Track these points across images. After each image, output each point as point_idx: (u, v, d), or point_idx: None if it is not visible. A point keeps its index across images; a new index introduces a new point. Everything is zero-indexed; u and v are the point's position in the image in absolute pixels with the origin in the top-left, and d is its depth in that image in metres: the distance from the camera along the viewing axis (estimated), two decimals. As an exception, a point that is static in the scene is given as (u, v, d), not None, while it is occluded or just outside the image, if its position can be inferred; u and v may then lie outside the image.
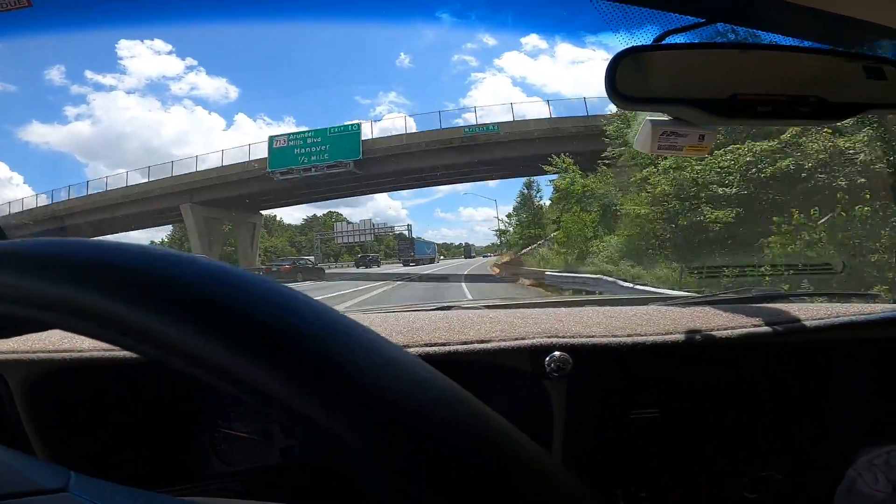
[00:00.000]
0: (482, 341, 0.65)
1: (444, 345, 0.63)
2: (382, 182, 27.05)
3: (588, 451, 0.73)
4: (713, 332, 0.73)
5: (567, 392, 0.69)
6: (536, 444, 0.22)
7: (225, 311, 0.20)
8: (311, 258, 34.99)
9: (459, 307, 1.10)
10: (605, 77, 0.62)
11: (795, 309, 0.85)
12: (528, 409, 0.68)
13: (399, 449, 0.18)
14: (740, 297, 1.16)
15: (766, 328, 0.75)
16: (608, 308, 0.88)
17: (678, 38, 0.68)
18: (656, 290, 5.78)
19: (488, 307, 1.08)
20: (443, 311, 0.84)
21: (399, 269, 33.31)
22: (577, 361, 0.66)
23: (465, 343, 0.64)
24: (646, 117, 0.75)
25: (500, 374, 0.68)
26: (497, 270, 22.72)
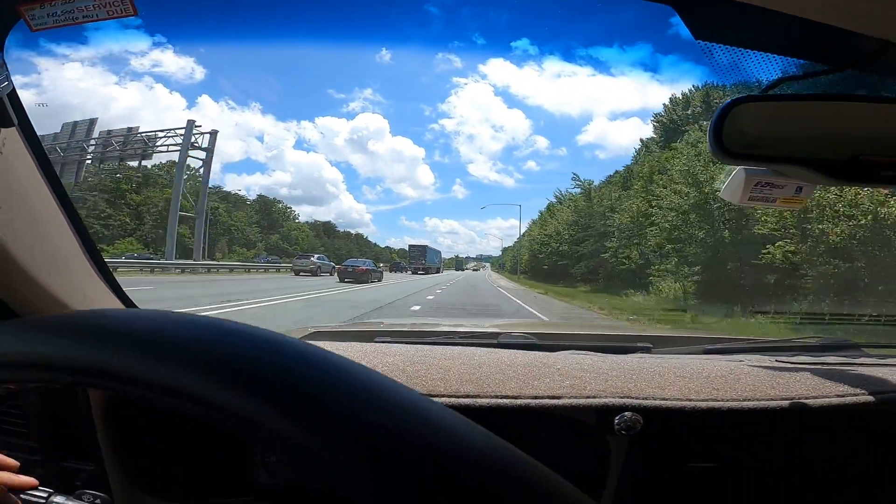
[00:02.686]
0: (553, 397, 0.65)
1: (515, 398, 0.65)
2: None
3: (641, 502, 0.71)
4: (795, 400, 0.70)
5: (629, 448, 0.68)
6: (585, 496, 0.25)
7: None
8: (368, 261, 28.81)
9: (509, 334, 1.08)
10: (710, 130, 0.56)
11: (883, 371, 0.80)
12: (584, 459, 0.68)
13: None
14: (809, 346, 1.08)
15: (855, 398, 0.71)
16: (678, 360, 0.84)
17: (792, 88, 0.61)
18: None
19: (539, 338, 1.05)
20: (501, 352, 0.81)
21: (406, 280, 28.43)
22: (647, 421, 0.66)
23: (535, 398, 0.65)
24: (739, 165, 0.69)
25: (561, 424, 0.68)
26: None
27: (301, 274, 24.95)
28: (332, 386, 0.26)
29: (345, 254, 52.49)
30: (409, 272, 41.93)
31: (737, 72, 0.61)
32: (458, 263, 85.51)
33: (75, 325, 0.28)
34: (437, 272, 47.85)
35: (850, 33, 0.61)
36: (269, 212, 57.22)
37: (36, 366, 0.28)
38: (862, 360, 1.02)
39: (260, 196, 61.07)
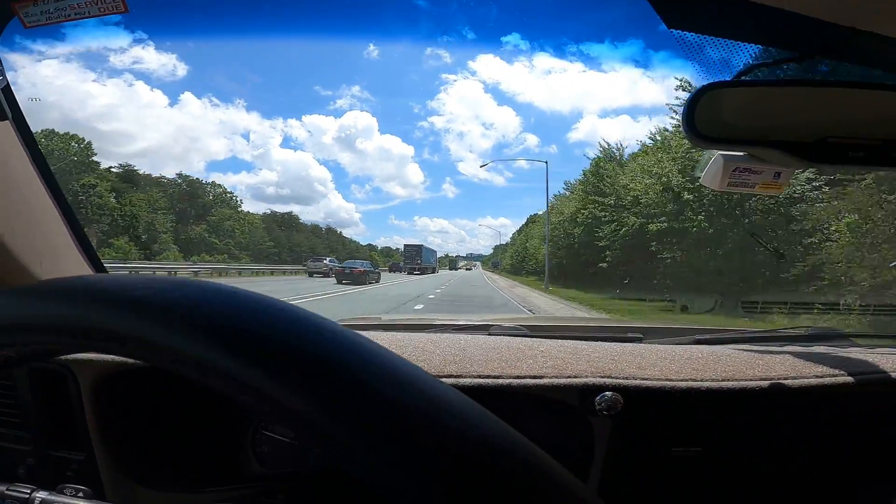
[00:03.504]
0: (535, 377, 0.66)
1: (497, 377, 0.66)
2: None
3: (625, 485, 0.72)
4: (774, 381, 0.71)
5: (611, 429, 0.69)
6: (573, 476, 0.25)
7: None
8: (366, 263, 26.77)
9: (501, 326, 1.09)
10: (683, 114, 0.59)
11: (866, 355, 0.81)
12: (569, 441, 0.68)
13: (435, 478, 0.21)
14: (798, 336, 1.09)
15: (833, 378, 0.72)
16: (665, 347, 0.85)
17: (763, 74, 0.64)
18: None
19: (530, 330, 1.06)
20: (489, 337, 0.83)
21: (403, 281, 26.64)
22: (627, 402, 0.66)
23: (518, 377, 0.66)
24: (717, 151, 0.71)
25: (544, 405, 0.68)
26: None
27: (315, 276, 25.31)
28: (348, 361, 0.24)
29: (306, 251, 47.66)
30: (405, 272, 40.78)
31: (708, 59, 0.63)
32: (452, 263, 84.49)
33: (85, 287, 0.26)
34: (434, 272, 46.63)
35: (818, 21, 0.64)
36: (195, 196, 44.65)
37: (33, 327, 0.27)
38: (850, 349, 1.04)
39: (181, 175, 47.08)
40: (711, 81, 0.60)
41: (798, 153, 0.59)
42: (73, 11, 0.74)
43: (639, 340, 1.02)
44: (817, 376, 0.72)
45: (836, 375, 0.72)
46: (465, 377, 0.65)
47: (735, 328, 1.39)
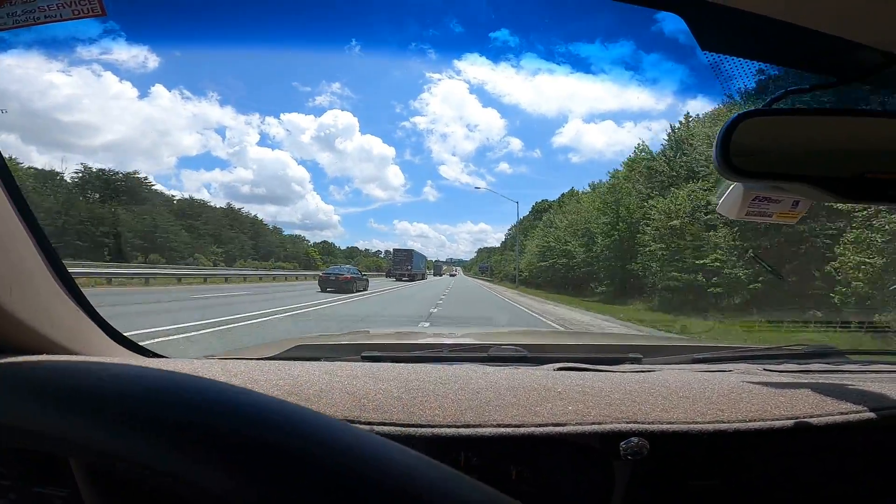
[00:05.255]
0: (557, 424, 0.63)
1: (518, 426, 0.63)
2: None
3: None
4: (800, 419, 0.69)
5: (633, 468, 0.67)
6: None
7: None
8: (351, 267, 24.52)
9: (499, 347, 1.06)
10: (717, 145, 0.54)
11: (883, 385, 0.79)
12: (588, 479, 0.66)
13: None
14: (795, 353, 1.09)
15: (859, 415, 0.71)
16: (679, 376, 0.83)
17: (799, 101, 0.60)
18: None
19: (529, 350, 1.03)
20: (498, 371, 0.79)
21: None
22: (653, 446, 0.64)
23: (539, 425, 0.63)
24: None
25: (564, 447, 0.66)
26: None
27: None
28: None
29: (234, 251, 41.30)
30: (394, 279, 37.22)
31: (742, 84, 0.59)
32: (437, 268, 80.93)
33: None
34: (423, 278, 43.71)
35: (854, 45, 0.60)
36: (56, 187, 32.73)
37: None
38: (847, 366, 1.03)
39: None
40: (745, 110, 0.55)
41: (834, 189, 0.56)
42: (43, 14, 0.67)
43: (638, 361, 1.01)
44: (842, 413, 0.71)
45: (859, 412, 0.71)
46: (484, 427, 0.61)
47: (730, 345, 1.39)
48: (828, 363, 1.05)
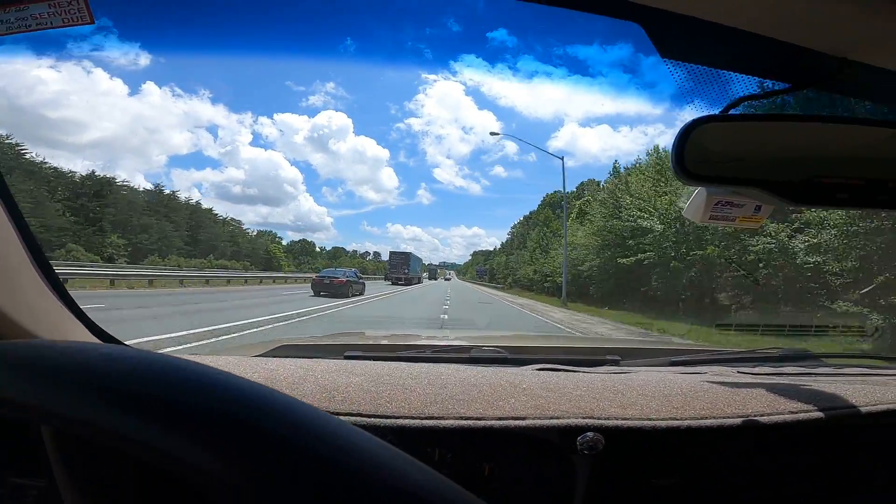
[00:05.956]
0: (517, 418, 0.66)
1: (479, 419, 0.66)
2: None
3: None
4: (749, 417, 0.72)
5: (593, 465, 0.69)
6: None
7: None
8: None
9: (481, 348, 1.08)
10: (673, 150, 0.57)
11: (847, 391, 0.81)
12: (551, 475, 0.69)
13: None
14: (769, 357, 1.13)
15: (807, 414, 0.73)
16: (644, 377, 0.86)
17: (755, 106, 0.62)
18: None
19: (510, 352, 1.06)
20: (470, 369, 0.82)
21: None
22: (608, 440, 0.67)
23: (500, 419, 0.66)
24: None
25: (526, 442, 0.68)
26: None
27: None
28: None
29: (147, 243, 32.28)
30: (390, 283, 35.89)
31: (698, 90, 0.62)
32: (432, 272, 77.21)
33: None
34: (419, 282, 42.75)
35: (808, 51, 0.63)
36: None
37: None
38: (820, 370, 1.07)
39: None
40: (700, 116, 0.58)
41: (785, 194, 0.58)
42: (35, 22, 0.69)
43: (616, 363, 1.05)
44: (792, 412, 0.73)
45: (809, 412, 0.74)
46: (446, 419, 0.64)
47: (708, 348, 1.41)
48: (802, 366, 1.08)
